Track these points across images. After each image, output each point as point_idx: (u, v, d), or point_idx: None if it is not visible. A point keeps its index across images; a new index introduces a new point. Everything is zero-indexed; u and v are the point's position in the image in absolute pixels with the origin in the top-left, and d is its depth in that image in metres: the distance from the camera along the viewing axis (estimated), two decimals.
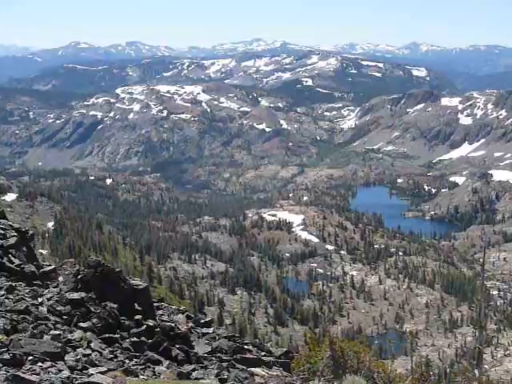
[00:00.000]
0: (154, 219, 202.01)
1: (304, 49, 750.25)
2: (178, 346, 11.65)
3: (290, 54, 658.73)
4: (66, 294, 12.16)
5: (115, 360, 10.18)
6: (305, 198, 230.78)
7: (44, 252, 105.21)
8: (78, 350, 10.11)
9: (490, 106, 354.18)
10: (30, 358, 9.12)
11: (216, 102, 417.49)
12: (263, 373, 11.63)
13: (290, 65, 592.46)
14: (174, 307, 15.56)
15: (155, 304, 14.49)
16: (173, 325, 12.67)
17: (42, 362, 9.11)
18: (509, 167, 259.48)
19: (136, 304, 12.71)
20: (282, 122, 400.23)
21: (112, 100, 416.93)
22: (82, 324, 11.22)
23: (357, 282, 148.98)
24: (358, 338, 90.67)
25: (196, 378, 10.54)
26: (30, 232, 16.34)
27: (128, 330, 11.72)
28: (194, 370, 10.91)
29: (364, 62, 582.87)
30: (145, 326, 11.92)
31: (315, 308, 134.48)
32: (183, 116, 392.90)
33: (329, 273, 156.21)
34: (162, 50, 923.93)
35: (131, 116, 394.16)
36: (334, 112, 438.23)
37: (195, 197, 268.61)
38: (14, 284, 12.33)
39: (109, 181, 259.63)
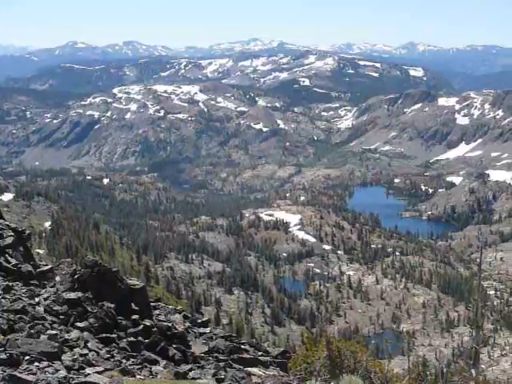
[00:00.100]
0: (151, 219, 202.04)
1: (301, 49, 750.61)
2: (174, 346, 11.64)
3: (287, 53, 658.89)
4: (62, 293, 12.14)
5: (112, 360, 10.17)
6: (302, 198, 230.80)
7: (41, 252, 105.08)
8: (74, 349, 10.09)
9: (487, 106, 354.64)
10: (27, 357, 9.11)
11: (213, 102, 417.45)
12: (260, 373, 11.63)
13: (287, 65, 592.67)
14: (170, 307, 15.55)
15: (152, 304, 14.47)
16: (170, 325, 12.66)
17: (39, 362, 9.10)
18: (506, 167, 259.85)
19: (133, 304, 12.69)
20: (279, 121, 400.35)
21: (109, 100, 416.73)
22: (78, 324, 11.20)
23: (354, 281, 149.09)
24: (355, 337, 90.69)
25: (193, 378, 10.53)
26: (27, 232, 16.32)
27: (125, 329, 11.71)
28: (190, 369, 10.89)
29: (361, 62, 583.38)
30: (142, 325, 11.91)
31: (312, 308, 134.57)
32: (180, 116, 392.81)
33: (326, 273, 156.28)
34: (159, 50, 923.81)
35: (128, 116, 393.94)
36: (331, 112, 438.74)
37: (192, 196, 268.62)
38: (10, 284, 12.32)
39: (106, 180, 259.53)
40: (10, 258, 13.92)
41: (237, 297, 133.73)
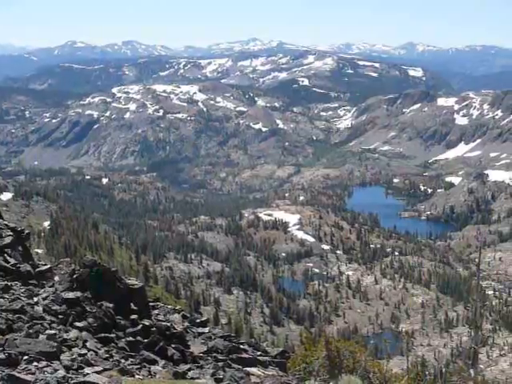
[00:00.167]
0: (150, 219, 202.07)
1: (300, 49, 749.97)
2: (173, 346, 11.65)
3: (286, 53, 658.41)
4: (61, 293, 12.15)
5: (111, 359, 10.17)
6: (301, 198, 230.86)
7: (40, 251, 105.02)
8: (73, 349, 10.09)
9: (485, 106, 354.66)
10: (26, 357, 9.11)
11: (212, 102, 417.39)
12: (259, 372, 11.64)
13: (287, 65, 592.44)
14: (169, 307, 15.56)
15: (151, 303, 14.48)
16: (168, 324, 12.66)
17: (38, 362, 9.10)
18: (504, 167, 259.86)
19: (132, 303, 12.70)
20: (278, 121, 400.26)
21: (108, 99, 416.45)
22: (77, 323, 11.20)
23: (353, 281, 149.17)
24: (354, 337, 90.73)
25: (192, 378, 10.54)
26: (26, 231, 16.33)
27: (124, 329, 11.71)
28: (189, 369, 10.90)
29: (360, 62, 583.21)
30: (140, 325, 11.91)
31: (311, 308, 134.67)
32: (179, 115, 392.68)
33: (325, 272, 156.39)
34: (158, 50, 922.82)
35: (127, 115, 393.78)
36: (331, 112, 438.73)
37: (191, 196, 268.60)
38: (9, 283, 12.32)
39: (105, 180, 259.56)
40: (8, 258, 13.93)
41: (236, 297, 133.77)
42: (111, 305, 12.04)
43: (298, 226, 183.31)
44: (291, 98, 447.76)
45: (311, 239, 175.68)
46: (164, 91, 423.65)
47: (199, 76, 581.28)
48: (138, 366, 10.29)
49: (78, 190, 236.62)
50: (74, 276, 12.74)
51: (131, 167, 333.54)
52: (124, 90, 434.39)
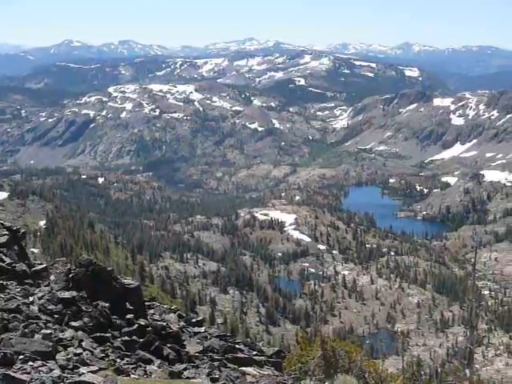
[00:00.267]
0: (146, 218, 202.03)
1: (297, 48, 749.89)
2: (169, 346, 11.64)
3: (282, 53, 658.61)
4: (57, 292, 12.13)
5: (106, 359, 10.16)
6: (297, 198, 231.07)
7: (35, 251, 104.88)
8: (69, 349, 10.08)
9: (481, 106, 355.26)
10: (21, 357, 9.10)
11: (208, 101, 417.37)
12: (255, 372, 11.64)
13: (283, 64, 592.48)
14: (165, 306, 15.55)
15: (147, 303, 14.46)
16: (164, 324, 12.65)
17: (33, 361, 9.09)
18: (500, 168, 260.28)
19: (127, 303, 12.68)
20: (274, 121, 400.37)
21: (104, 99, 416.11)
22: (73, 323, 11.18)
23: (348, 281, 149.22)
24: (350, 337, 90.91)
25: (187, 378, 10.53)
26: (22, 230, 16.30)
27: (119, 329, 11.69)
28: (185, 369, 10.89)
29: (356, 62, 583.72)
30: (136, 325, 11.90)
31: (307, 307, 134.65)
32: (176, 115, 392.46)
33: (321, 272, 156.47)
34: (154, 49, 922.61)
35: (124, 115, 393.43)
36: (327, 112, 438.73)
37: (187, 196, 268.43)
38: (5, 283, 12.30)
39: (101, 179, 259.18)
40: (4, 257, 13.91)
41: (232, 296, 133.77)
42: (107, 304, 12.02)
43: (293, 226, 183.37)
44: (287, 98, 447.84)
45: (307, 239, 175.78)
46: (160, 91, 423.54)
47: (195, 76, 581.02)
48: (134, 366, 10.28)
49: (74, 190, 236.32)
50: (70, 275, 12.73)
51: (127, 167, 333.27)
52: (120, 89, 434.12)
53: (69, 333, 10.65)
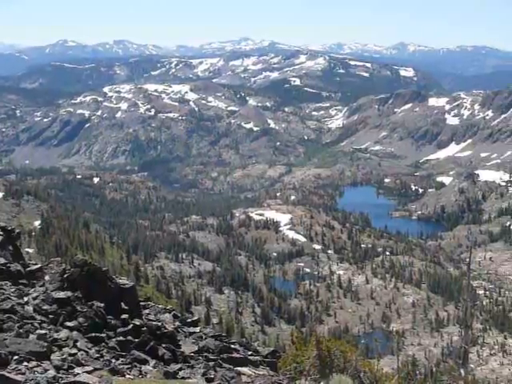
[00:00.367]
0: (142, 218, 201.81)
1: (292, 48, 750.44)
2: (164, 346, 11.63)
3: (278, 53, 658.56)
4: (52, 293, 12.11)
5: (101, 359, 10.15)
6: (292, 198, 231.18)
7: (30, 251, 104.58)
8: (63, 349, 10.06)
9: (476, 106, 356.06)
10: (16, 357, 9.08)
11: (204, 101, 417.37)
12: (250, 372, 11.65)
13: (278, 64, 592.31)
14: (160, 306, 15.54)
15: (142, 303, 14.46)
16: (159, 324, 12.65)
17: (28, 362, 9.07)
18: (495, 167, 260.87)
19: (123, 303, 12.67)
20: (269, 121, 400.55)
21: (99, 98, 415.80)
22: (68, 323, 11.17)
23: (344, 281, 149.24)
24: (345, 337, 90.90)
25: (182, 378, 10.53)
26: (17, 231, 16.28)
27: (114, 329, 11.68)
28: (180, 369, 10.89)
29: (352, 62, 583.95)
30: (131, 325, 11.89)
31: (302, 307, 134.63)
32: (171, 115, 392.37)
33: (316, 272, 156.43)
34: (149, 49, 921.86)
35: (119, 115, 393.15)
36: (322, 112, 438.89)
37: (183, 196, 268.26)
38: None
39: (96, 179, 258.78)
40: None
41: (227, 296, 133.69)
42: (102, 304, 12.01)
43: (289, 226, 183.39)
44: (283, 98, 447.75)
45: (302, 239, 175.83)
46: (155, 90, 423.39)
47: (191, 75, 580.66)
48: (129, 366, 10.27)
49: (69, 190, 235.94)
50: (65, 275, 12.71)
51: (122, 166, 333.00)
52: (115, 89, 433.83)
53: (64, 333, 10.64)
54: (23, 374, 8.68)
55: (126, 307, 12.61)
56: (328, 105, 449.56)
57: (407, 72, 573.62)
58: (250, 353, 13.31)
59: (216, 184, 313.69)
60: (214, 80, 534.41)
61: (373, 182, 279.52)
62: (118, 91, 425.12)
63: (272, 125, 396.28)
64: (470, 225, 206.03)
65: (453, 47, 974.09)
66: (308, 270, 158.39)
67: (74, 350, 10.08)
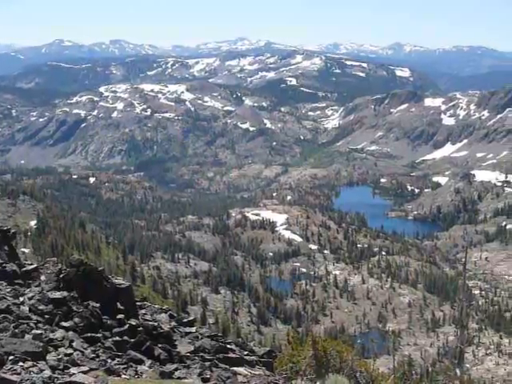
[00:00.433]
0: (138, 218, 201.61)
1: (288, 48, 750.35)
2: (160, 346, 11.62)
3: (274, 53, 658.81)
4: (47, 293, 12.09)
5: (97, 359, 10.14)
6: (288, 198, 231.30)
7: (26, 251, 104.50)
8: (59, 349, 10.05)
9: (472, 106, 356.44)
10: (11, 357, 9.06)
11: (200, 101, 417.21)
12: (246, 372, 11.64)
13: (274, 64, 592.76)
14: (156, 306, 15.53)
15: (138, 303, 14.44)
16: (155, 324, 12.63)
17: (24, 362, 9.05)
18: (491, 167, 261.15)
19: (119, 303, 12.66)
20: (265, 121, 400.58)
21: (96, 98, 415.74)
22: (63, 323, 11.15)
23: (340, 281, 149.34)
24: (341, 337, 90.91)
25: (178, 378, 10.51)
26: (12, 230, 16.24)
27: (110, 329, 11.67)
28: (176, 369, 10.87)
29: (348, 62, 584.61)
30: (127, 325, 11.87)
31: (298, 307, 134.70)
32: (167, 115, 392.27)
33: (312, 272, 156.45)
34: (146, 49, 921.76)
35: (115, 114, 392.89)
36: (318, 112, 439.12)
37: (179, 196, 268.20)
38: None
39: (92, 179, 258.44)
40: None
41: (223, 296, 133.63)
42: (98, 304, 12.00)
43: (285, 226, 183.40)
44: (279, 98, 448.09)
45: (298, 239, 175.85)
46: (152, 90, 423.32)
47: (187, 75, 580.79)
48: (125, 366, 10.26)
49: (65, 189, 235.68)
50: (61, 275, 12.69)
51: (118, 166, 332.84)
52: (111, 89, 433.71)
53: (59, 333, 10.62)
54: (19, 374, 8.66)
55: (122, 307, 12.60)
56: (324, 105, 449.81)
57: (403, 72, 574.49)
58: (246, 353, 13.30)
59: (212, 184, 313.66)
60: (210, 80, 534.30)
61: (369, 182, 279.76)
62: (114, 91, 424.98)
63: (268, 125, 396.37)
64: (465, 225, 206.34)
65: (449, 47, 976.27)
66: (304, 269, 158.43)
67: (69, 350, 10.07)
